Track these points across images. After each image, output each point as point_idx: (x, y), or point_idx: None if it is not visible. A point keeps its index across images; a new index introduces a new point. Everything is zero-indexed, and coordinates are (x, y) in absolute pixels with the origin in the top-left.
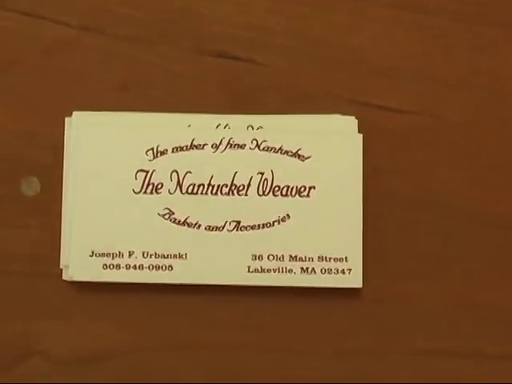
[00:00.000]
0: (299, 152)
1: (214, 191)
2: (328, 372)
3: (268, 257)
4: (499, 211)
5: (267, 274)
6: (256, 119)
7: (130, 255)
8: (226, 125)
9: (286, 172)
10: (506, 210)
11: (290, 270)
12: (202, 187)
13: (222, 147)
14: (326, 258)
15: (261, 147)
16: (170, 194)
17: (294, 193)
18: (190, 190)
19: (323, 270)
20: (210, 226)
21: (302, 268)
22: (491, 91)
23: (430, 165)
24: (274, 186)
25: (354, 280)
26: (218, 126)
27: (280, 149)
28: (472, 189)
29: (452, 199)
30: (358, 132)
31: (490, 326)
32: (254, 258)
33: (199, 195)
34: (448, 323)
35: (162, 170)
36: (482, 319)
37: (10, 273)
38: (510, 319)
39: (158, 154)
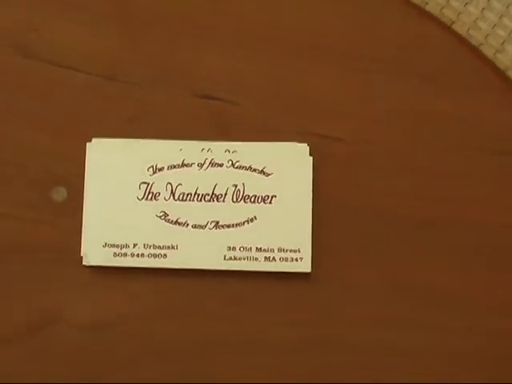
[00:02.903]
0: (264, 170)
1: (199, 199)
2: (284, 337)
3: (239, 248)
4: (423, 215)
5: (239, 261)
6: (231, 145)
7: (134, 246)
8: (209, 149)
9: (254, 185)
10: (429, 213)
11: (256, 259)
12: (189, 196)
13: (205, 166)
14: (283, 249)
15: (235, 166)
16: (165, 200)
17: (259, 200)
18: (180, 198)
19: (281, 259)
20: (195, 225)
21: (265, 257)
22: (415, 123)
23: (368, 178)
24: (244, 194)
25: (305, 266)
26: (202, 150)
27: (249, 167)
28: (402, 197)
29: (385, 205)
30: (309, 155)
31: (415, 301)
32: (229, 249)
33: (187, 202)
34: (382, 301)
35: (159, 183)
36: (409, 297)
37: (43, 259)
38: (433, 298)
39: (157, 171)
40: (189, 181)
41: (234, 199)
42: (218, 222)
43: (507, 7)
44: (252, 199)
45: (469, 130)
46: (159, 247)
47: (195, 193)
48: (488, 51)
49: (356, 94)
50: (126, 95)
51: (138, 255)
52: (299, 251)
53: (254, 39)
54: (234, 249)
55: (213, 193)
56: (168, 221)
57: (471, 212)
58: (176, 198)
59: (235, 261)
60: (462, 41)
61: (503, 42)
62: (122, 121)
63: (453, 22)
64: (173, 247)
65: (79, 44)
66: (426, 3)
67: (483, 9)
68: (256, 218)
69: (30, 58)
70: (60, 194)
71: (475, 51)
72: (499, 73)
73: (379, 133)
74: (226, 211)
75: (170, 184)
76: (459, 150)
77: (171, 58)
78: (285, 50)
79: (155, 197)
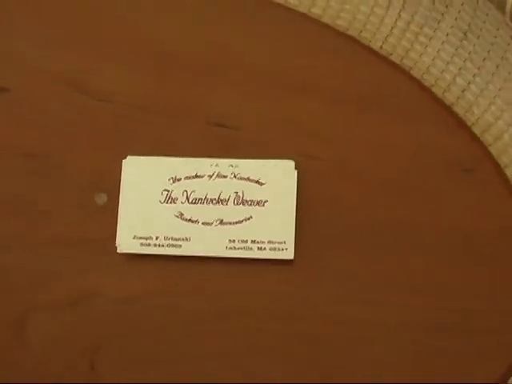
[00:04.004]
0: (259, 180)
1: (208, 202)
2: (272, 308)
3: (238, 241)
4: (384, 217)
5: (238, 250)
6: (234, 161)
7: (156, 238)
8: (216, 164)
9: (251, 192)
10: (387, 216)
11: (251, 248)
12: (200, 200)
13: (213, 177)
14: (272, 241)
15: (236, 177)
16: (182, 203)
17: (255, 204)
18: (193, 202)
19: (270, 249)
20: (204, 222)
21: (258, 247)
22: (379, 144)
23: (340, 187)
24: (243, 199)
25: (289, 254)
26: (211, 165)
27: (248, 178)
28: (368, 202)
29: (354, 208)
30: (295, 169)
31: (376, 282)
32: (230, 241)
33: (199, 205)
34: (349, 282)
35: (177, 190)
36: (377, 282)
37: (87, 248)
38: (392, 280)
39: (176, 181)
40: (200, 188)
41: (235, 203)
42: (222, 220)
43: (451, 57)
44: (249, 203)
45: (421, 150)
46: (176, 239)
47: (205, 198)
48: (437, 91)
49: (333, 123)
50: (153, 122)
51: (159, 245)
52: (285, 243)
53: (255, 80)
54: (234, 241)
55: (219, 198)
56: (183, 219)
57: (419, 215)
58: (190, 201)
59: (235, 250)
60: (418, 82)
61: (449, 84)
62: (150, 142)
63: (410, 68)
64: (186, 239)
65: (118, 81)
66: (391, 54)
67: (434, 58)
68: (252, 218)
69: (80, 92)
70: (101, 198)
71: (429, 91)
72: (447, 108)
73: (349, 152)
74: (229, 212)
75: (186, 191)
76: (414, 166)
77: (190, 92)
78: (278, 88)
79: (174, 201)
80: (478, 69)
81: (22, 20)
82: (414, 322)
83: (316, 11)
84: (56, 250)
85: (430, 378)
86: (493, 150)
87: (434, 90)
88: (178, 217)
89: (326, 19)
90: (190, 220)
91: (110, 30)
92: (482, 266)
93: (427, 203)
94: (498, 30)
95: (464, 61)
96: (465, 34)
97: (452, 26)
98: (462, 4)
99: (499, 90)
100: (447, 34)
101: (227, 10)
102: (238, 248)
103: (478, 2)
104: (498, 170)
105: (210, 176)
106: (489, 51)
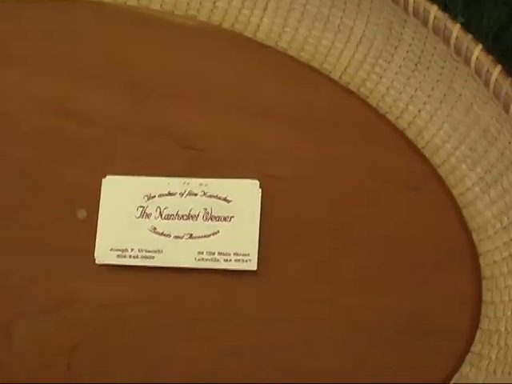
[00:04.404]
0: (226, 198)
1: (179, 218)
2: (237, 312)
3: (206, 253)
4: (337, 227)
5: (206, 262)
6: (204, 180)
7: (131, 250)
8: (188, 183)
9: (219, 208)
10: (341, 227)
11: (218, 260)
12: (172, 216)
13: (184, 195)
14: (237, 253)
15: (206, 195)
16: (155, 219)
17: (222, 219)
18: (166, 217)
19: (236, 260)
20: (176, 236)
21: (224, 259)
22: (331, 164)
23: (298, 203)
24: (212, 215)
25: (252, 265)
26: (183, 183)
27: (216, 196)
28: (323, 215)
29: (311, 221)
30: (259, 188)
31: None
32: (199, 253)
33: (171, 220)
34: (306, 287)
35: (151, 206)
36: (332, 287)
37: (68, 258)
38: (345, 284)
39: (150, 198)
40: (172, 205)
41: (204, 218)
42: (191, 234)
43: (404, 87)
44: (217, 218)
45: (375, 170)
46: (149, 251)
47: (176, 213)
48: (391, 117)
49: (293, 145)
50: (130, 144)
51: (134, 257)
52: (249, 255)
53: (222, 105)
54: (202, 253)
55: (189, 214)
56: (156, 233)
57: (371, 228)
58: (163, 217)
59: (203, 261)
60: (373, 110)
61: (401, 111)
62: (128, 162)
63: (367, 97)
64: (159, 251)
65: (99, 107)
66: (348, 83)
67: (388, 88)
68: (219, 232)
69: (65, 116)
70: (82, 213)
71: (383, 118)
72: (400, 133)
73: (308, 172)
74: (198, 227)
75: (159, 207)
76: (368, 184)
77: (164, 117)
78: (244, 113)
79: (148, 216)
80: (428, 97)
81: (16, 51)
82: (367, 322)
83: (282, 45)
84: (39, 259)
85: (378, 377)
86: (441, 171)
87: (389, 116)
88: (151, 231)
89: (291, 52)
90: (162, 234)
91: (93, 62)
92: (424, 272)
93: (378, 217)
94: (444, 61)
95: (415, 90)
96: (416, 65)
97: (404, 59)
98: (413, 38)
99: (446, 116)
100: (400, 66)
101: (197, 43)
102: (206, 260)
103: (427, 37)
104: (445, 189)
105: (182, 194)
106: (437, 81)
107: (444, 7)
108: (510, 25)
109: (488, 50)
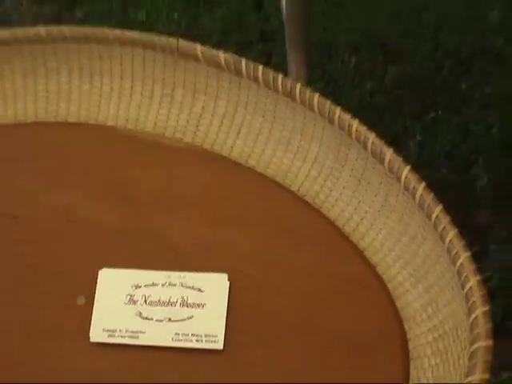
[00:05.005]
0: (200, 288)
1: (160, 304)
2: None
3: (182, 334)
4: (294, 320)
5: (181, 342)
6: (182, 274)
7: (119, 331)
8: (169, 276)
9: (194, 297)
10: (298, 320)
11: (191, 340)
12: (155, 303)
13: (166, 285)
14: (208, 335)
15: (183, 286)
16: (141, 305)
17: (196, 306)
18: (149, 304)
19: (206, 341)
20: (157, 319)
21: (196, 340)
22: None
23: (259, 294)
24: (187, 302)
25: (219, 345)
26: (165, 276)
27: (191, 287)
28: (279, 302)
29: (271, 310)
30: (227, 280)
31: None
32: (176, 334)
33: (153, 306)
34: (269, 367)
35: (138, 294)
36: (286, 370)
37: (66, 337)
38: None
39: (137, 288)
40: (155, 294)
41: (181, 305)
42: (170, 318)
43: (350, 199)
44: (191, 306)
45: (324, 269)
46: (135, 332)
47: (158, 301)
48: (339, 223)
49: (257, 248)
50: (123, 243)
51: (122, 336)
52: (217, 336)
53: (200, 214)
54: (178, 334)
55: (169, 301)
56: (141, 317)
57: (318, 319)
58: (147, 303)
59: (179, 341)
60: (325, 217)
61: (348, 219)
62: (121, 257)
63: (320, 207)
64: (142, 332)
65: (99, 213)
66: (305, 195)
67: (337, 199)
68: (193, 317)
69: (70, 220)
70: (81, 300)
71: (332, 224)
72: (345, 237)
73: (269, 269)
74: (176, 312)
75: (144, 295)
76: (318, 281)
77: (150, 223)
78: (218, 220)
79: (134, 303)
80: (369, 207)
81: (33, 166)
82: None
83: (252, 162)
84: (43, 338)
85: None
86: (378, 269)
87: (337, 223)
88: (137, 315)
89: (259, 169)
90: (146, 318)
91: (96, 176)
92: (362, 355)
93: (327, 310)
94: (382, 179)
95: (358, 202)
96: (359, 181)
97: (350, 175)
98: (356, 159)
99: (383, 224)
100: (346, 181)
101: (182, 161)
102: (182, 340)
103: (367, 158)
104: (382, 284)
105: (163, 284)
106: (376, 195)
107: (404, 128)
108: (461, 144)
109: (441, 165)
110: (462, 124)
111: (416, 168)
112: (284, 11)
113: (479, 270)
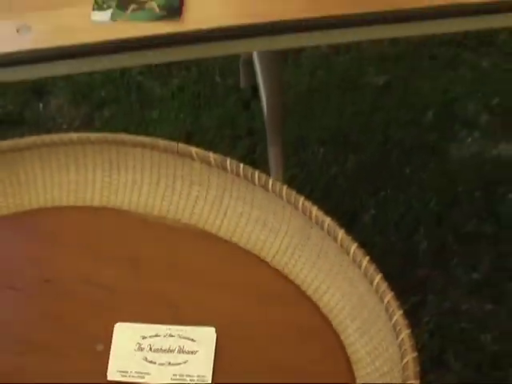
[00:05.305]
0: (193, 339)
1: (162, 351)
2: None
3: (179, 375)
4: (265, 363)
5: (178, 381)
6: (180, 327)
7: (130, 372)
8: (169, 328)
9: (188, 346)
10: (267, 364)
11: (186, 380)
12: (158, 350)
13: (167, 336)
14: (199, 375)
15: (180, 337)
16: (147, 352)
17: (190, 353)
18: (154, 351)
19: (199, 380)
20: (159, 363)
21: (190, 379)
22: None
23: (243, 343)
24: (183, 350)
25: (208, 382)
26: (166, 329)
27: (187, 337)
28: (258, 352)
29: (252, 355)
30: (215, 333)
31: None
32: (174, 375)
33: (157, 353)
34: None
35: (145, 343)
36: None
37: (88, 378)
38: None
39: (144, 338)
40: (158, 343)
41: (178, 352)
42: (170, 362)
43: (304, 264)
44: (187, 352)
45: (289, 325)
46: (142, 373)
47: (160, 348)
48: (305, 288)
49: (239, 310)
50: (135, 302)
51: (132, 376)
52: (206, 376)
53: (195, 280)
54: (176, 375)
55: (169, 349)
56: (147, 361)
57: (283, 361)
58: (152, 350)
59: (177, 381)
60: (292, 283)
61: (309, 284)
62: (133, 314)
63: (276, 265)
64: (148, 373)
65: (113, 281)
66: (265, 257)
67: (301, 268)
68: (188, 361)
69: (90, 284)
70: (100, 347)
71: (299, 288)
72: (307, 297)
73: (246, 323)
74: (174, 357)
75: (150, 344)
76: (283, 333)
77: (157, 287)
78: (208, 285)
79: (142, 349)
80: (326, 275)
81: (63, 240)
82: None
83: (234, 239)
84: (69, 376)
85: None
86: (334, 323)
87: (301, 286)
88: (144, 360)
89: (240, 244)
90: (151, 362)
91: (111, 247)
92: None
93: (292, 354)
94: (336, 252)
95: (318, 270)
96: (318, 254)
97: (312, 249)
98: (316, 237)
99: (338, 287)
100: (309, 254)
101: (179, 238)
102: (179, 380)
103: (325, 237)
104: (336, 335)
105: (165, 336)
106: (332, 265)
107: (360, 204)
108: (406, 216)
109: (390, 233)
110: (406, 201)
111: (370, 236)
112: (265, 114)
113: (418, 320)
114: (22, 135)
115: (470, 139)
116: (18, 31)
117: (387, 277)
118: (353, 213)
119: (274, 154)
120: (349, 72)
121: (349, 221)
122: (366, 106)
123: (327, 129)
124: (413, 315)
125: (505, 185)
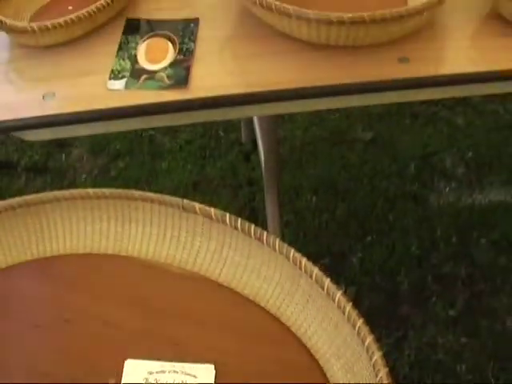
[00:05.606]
0: (195, 375)
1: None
2: None
3: None
4: None
5: None
6: (183, 364)
7: None
8: (174, 365)
9: (190, 381)
10: None
11: None
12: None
13: (171, 372)
14: None
15: (183, 373)
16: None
17: (195, 374)
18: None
19: None
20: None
21: None
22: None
23: (241, 376)
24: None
25: None
26: (171, 366)
27: (189, 373)
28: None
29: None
30: (214, 369)
31: None
32: None
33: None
34: None
35: (151, 379)
36: None
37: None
38: None
39: (151, 373)
40: (163, 378)
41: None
42: None
43: (294, 308)
44: (190, 374)
45: (278, 363)
46: None
47: (165, 383)
48: (290, 324)
49: (232, 347)
50: (143, 341)
51: None
52: None
53: (193, 319)
54: None
55: (173, 383)
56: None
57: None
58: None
59: None
60: (272, 315)
61: (294, 321)
62: (140, 351)
63: (278, 308)
64: None
65: (120, 317)
66: (259, 302)
67: (286, 308)
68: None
69: (101, 324)
70: (112, 380)
71: (283, 325)
72: (293, 333)
73: (240, 359)
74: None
75: (156, 379)
76: (271, 370)
77: (160, 324)
78: (204, 324)
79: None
80: (314, 318)
81: (81, 283)
82: None
83: (233, 285)
84: None
85: None
86: (321, 362)
87: (292, 328)
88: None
89: (238, 290)
90: None
91: (122, 292)
92: None
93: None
94: (323, 298)
95: (307, 314)
96: (307, 300)
97: (301, 296)
98: (306, 285)
99: (324, 329)
100: (299, 300)
101: (182, 283)
102: None
103: (313, 285)
104: (320, 368)
105: (169, 371)
106: (319, 309)
107: (349, 248)
108: (389, 259)
109: (375, 274)
110: (390, 245)
111: (357, 276)
112: (263, 166)
113: (400, 352)
114: (46, 182)
115: (447, 189)
116: (43, 97)
117: (372, 313)
118: (342, 255)
119: (270, 202)
120: (339, 128)
121: (338, 262)
122: (355, 158)
123: (319, 179)
124: (396, 349)
125: (479, 230)
